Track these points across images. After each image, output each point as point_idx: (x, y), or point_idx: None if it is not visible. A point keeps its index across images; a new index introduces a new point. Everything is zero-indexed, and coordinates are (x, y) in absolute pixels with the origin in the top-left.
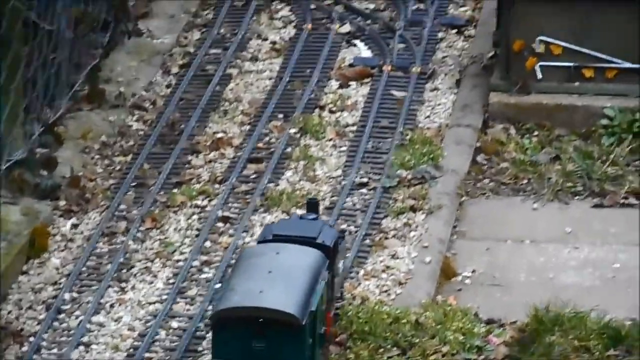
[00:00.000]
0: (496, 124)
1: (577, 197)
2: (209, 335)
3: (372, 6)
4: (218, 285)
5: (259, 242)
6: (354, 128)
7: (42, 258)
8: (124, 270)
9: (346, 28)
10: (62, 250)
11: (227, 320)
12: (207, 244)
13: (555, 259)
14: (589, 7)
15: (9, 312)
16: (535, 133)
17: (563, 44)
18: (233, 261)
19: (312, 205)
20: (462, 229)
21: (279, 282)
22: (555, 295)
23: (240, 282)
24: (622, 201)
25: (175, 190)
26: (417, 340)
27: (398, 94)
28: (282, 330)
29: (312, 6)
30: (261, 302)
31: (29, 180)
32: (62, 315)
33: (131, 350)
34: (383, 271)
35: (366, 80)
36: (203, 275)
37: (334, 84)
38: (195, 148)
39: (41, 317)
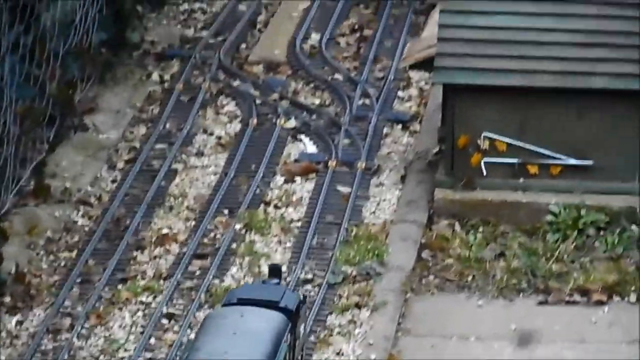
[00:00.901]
0: (441, 220)
1: (522, 294)
2: None
3: (317, 101)
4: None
5: (224, 305)
6: (299, 224)
7: None
8: None
9: (292, 123)
10: (7, 347)
11: None
12: (152, 340)
13: (500, 357)
14: (531, 104)
15: None
16: (481, 229)
17: (507, 140)
18: (177, 358)
19: (274, 270)
20: (408, 326)
21: (243, 343)
22: None
23: (206, 343)
24: (567, 298)
25: (120, 287)
26: None
27: (343, 189)
28: None
29: (258, 101)
30: None
31: None
32: None
33: None
34: None
35: (311, 175)
36: None
37: (279, 179)
38: (140, 244)
39: None
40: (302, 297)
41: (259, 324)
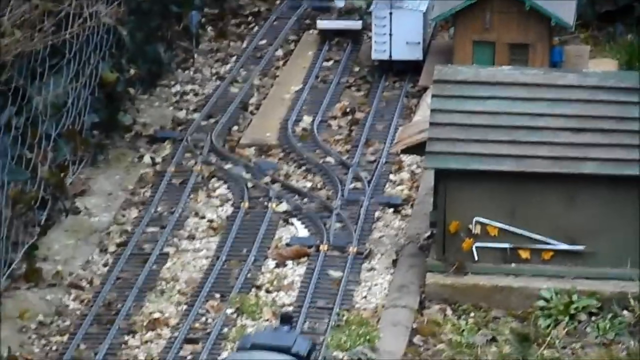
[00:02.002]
0: (433, 305)
1: None
2: None
3: (309, 185)
4: None
5: (238, 349)
6: (291, 308)
7: None
8: None
9: (283, 207)
10: None
11: None
12: None
13: None
14: (522, 189)
15: None
16: (472, 314)
17: (499, 225)
18: None
19: (285, 317)
20: None
21: None
22: None
23: None
24: None
25: None
26: None
27: (335, 274)
28: None
29: (250, 184)
30: None
31: None
32: None
33: None
34: None
35: (303, 259)
36: None
37: (270, 263)
38: (131, 328)
39: None
40: (312, 344)
41: None
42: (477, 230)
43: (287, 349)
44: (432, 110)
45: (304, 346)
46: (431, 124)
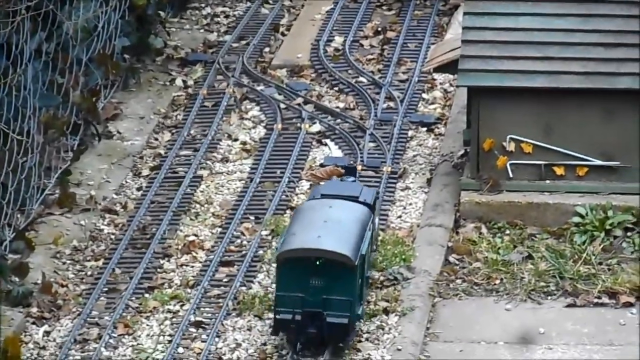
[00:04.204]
0: (468, 223)
1: (550, 297)
2: None
3: (341, 105)
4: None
5: (309, 199)
6: None
7: None
8: None
9: (316, 127)
10: (35, 358)
11: (290, 260)
12: (180, 349)
13: None
14: (556, 105)
15: None
16: (507, 232)
17: (533, 142)
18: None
19: (350, 169)
20: (436, 331)
21: (334, 229)
22: None
23: (300, 229)
24: (595, 301)
25: (147, 296)
26: None
27: None
28: (337, 270)
29: (282, 106)
30: (320, 244)
31: (1, 287)
32: None
33: None
34: None
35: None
36: None
37: (304, 184)
38: (166, 252)
39: None
40: (377, 192)
41: (347, 214)
42: (511, 147)
43: (355, 198)
44: (464, 28)
45: (370, 195)
46: (463, 41)
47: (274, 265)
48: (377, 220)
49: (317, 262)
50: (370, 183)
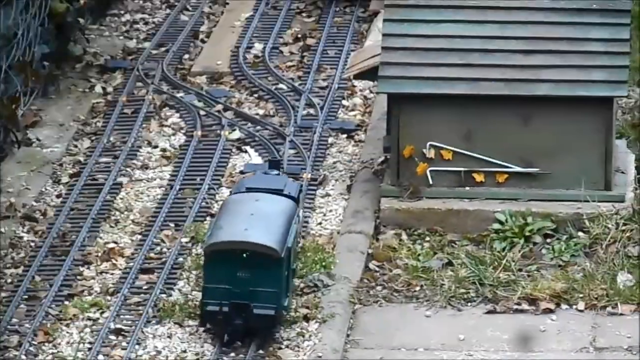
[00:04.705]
0: (388, 230)
1: (470, 304)
2: None
3: (261, 112)
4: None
5: (234, 193)
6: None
7: None
8: None
9: (236, 134)
10: None
11: (217, 253)
12: (100, 357)
13: None
14: (476, 112)
15: None
16: (427, 239)
17: (453, 148)
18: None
19: (274, 163)
20: (356, 338)
21: (260, 222)
22: None
23: (227, 222)
24: (515, 307)
25: (67, 303)
26: None
27: None
28: (264, 262)
29: (202, 113)
30: (246, 237)
31: None
32: None
33: None
34: None
35: None
36: None
37: (225, 191)
38: (86, 259)
39: None
40: (300, 185)
41: (273, 207)
42: (431, 154)
43: (280, 191)
44: (384, 35)
45: (295, 188)
46: (383, 48)
47: (194, 272)
48: (301, 213)
49: (244, 255)
50: None
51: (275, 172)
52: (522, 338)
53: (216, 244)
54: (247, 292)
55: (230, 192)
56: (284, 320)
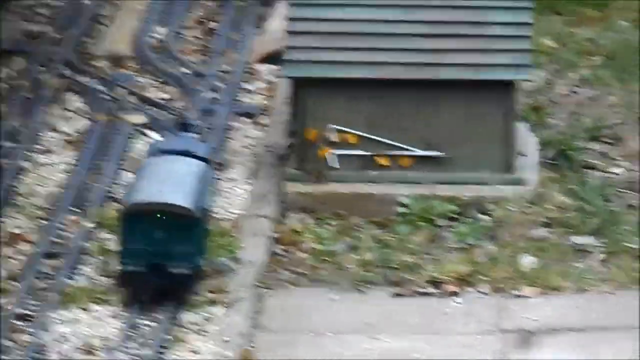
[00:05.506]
0: (293, 214)
1: (375, 287)
2: None
3: (165, 96)
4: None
5: (149, 156)
6: None
7: None
8: None
9: (140, 119)
10: None
11: (134, 214)
12: (6, 342)
13: (355, 350)
14: (381, 96)
15: None
16: (332, 222)
17: (358, 132)
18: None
19: (185, 125)
20: (263, 322)
21: (175, 183)
22: None
23: (143, 184)
24: (420, 290)
25: None
26: None
27: None
28: (180, 223)
29: (105, 97)
30: (162, 198)
31: None
32: None
33: None
34: None
35: None
36: None
37: (129, 175)
38: None
39: None
40: (211, 147)
41: (186, 168)
42: (335, 138)
43: (193, 153)
44: (289, 19)
45: (207, 150)
46: (288, 32)
47: (100, 257)
48: (213, 174)
49: (160, 216)
50: None
51: (187, 134)
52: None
53: (133, 206)
54: (164, 252)
55: (146, 154)
56: (199, 279)
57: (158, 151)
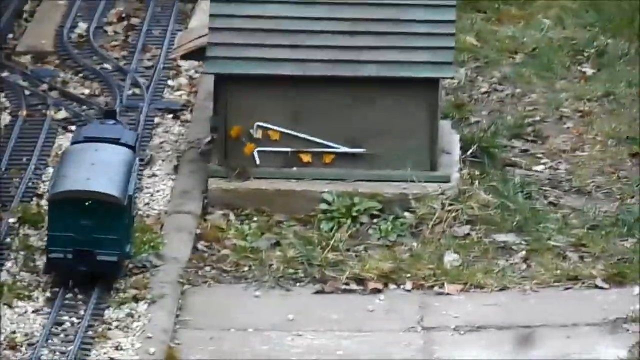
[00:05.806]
0: (216, 210)
1: (298, 284)
2: None
3: (87, 91)
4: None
5: (73, 143)
6: None
7: None
8: None
9: (62, 114)
10: None
11: (61, 201)
12: None
13: (279, 347)
14: (303, 93)
15: None
16: (255, 219)
17: (280, 129)
18: None
19: (110, 112)
20: (186, 318)
21: (101, 171)
22: None
23: (69, 172)
24: (343, 287)
25: None
26: None
27: None
28: (106, 210)
29: (27, 92)
30: (89, 186)
31: None
32: None
33: None
34: None
35: None
36: None
37: (51, 170)
38: None
39: None
40: (137, 134)
41: (113, 157)
42: (258, 134)
43: (117, 140)
44: (211, 15)
45: (132, 137)
46: (210, 29)
47: (22, 253)
48: (137, 160)
49: (87, 203)
50: None
51: (112, 121)
52: None
53: (60, 193)
54: (91, 240)
55: (70, 141)
56: (125, 266)
57: (82, 137)
